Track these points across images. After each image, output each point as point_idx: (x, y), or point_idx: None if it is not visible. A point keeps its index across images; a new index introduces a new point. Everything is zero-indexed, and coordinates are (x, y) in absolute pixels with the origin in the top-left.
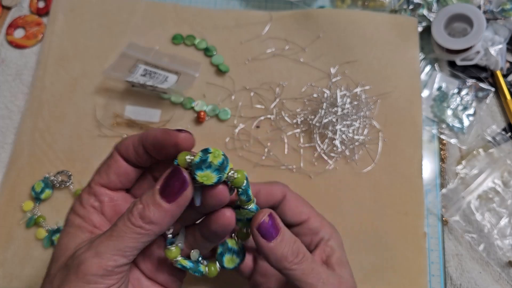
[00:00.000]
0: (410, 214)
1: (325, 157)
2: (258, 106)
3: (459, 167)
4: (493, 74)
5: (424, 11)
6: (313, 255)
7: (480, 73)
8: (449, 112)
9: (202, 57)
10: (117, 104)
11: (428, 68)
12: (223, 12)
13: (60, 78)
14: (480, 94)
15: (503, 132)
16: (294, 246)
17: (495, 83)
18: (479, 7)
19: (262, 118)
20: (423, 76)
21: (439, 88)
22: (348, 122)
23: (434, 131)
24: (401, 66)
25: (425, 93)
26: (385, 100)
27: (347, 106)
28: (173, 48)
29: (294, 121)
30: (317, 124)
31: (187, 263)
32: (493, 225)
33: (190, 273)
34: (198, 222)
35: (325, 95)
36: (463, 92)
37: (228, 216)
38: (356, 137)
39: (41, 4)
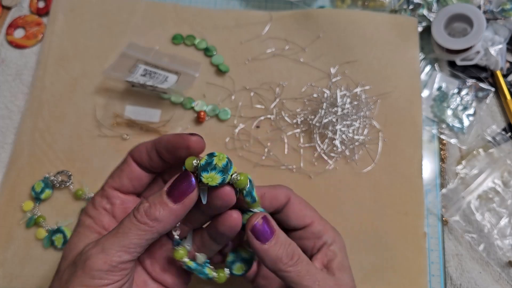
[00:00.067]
0: (410, 214)
1: (325, 157)
2: (258, 106)
3: (459, 167)
4: (493, 74)
5: (424, 11)
6: (315, 259)
7: (480, 73)
8: (449, 112)
9: (202, 57)
10: (117, 104)
11: (428, 68)
12: (223, 12)
13: (60, 78)
14: (480, 94)
15: (503, 132)
16: (289, 249)
17: (495, 83)
18: (479, 7)
19: (262, 118)
20: (423, 76)
21: (439, 88)
22: (348, 122)
23: (434, 131)
24: (401, 66)
25: (425, 93)
26: (385, 100)
27: (347, 106)
28: (173, 48)
29: (294, 121)
30: (317, 124)
31: (193, 264)
32: (493, 225)
33: (194, 277)
34: (205, 226)
35: (325, 95)
36: (463, 92)
37: (235, 217)
38: (356, 137)
39: (41, 4)
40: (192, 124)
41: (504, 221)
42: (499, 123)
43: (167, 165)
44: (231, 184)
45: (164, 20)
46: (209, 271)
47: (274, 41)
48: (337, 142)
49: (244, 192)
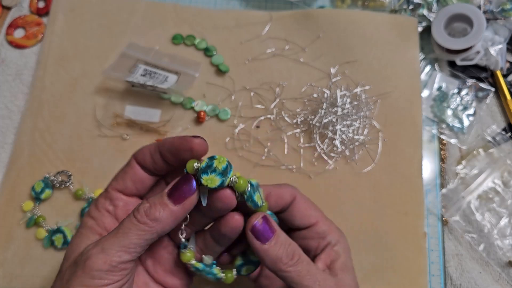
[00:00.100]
0: (410, 214)
1: (325, 157)
2: (258, 106)
3: (459, 167)
4: (493, 74)
5: (424, 11)
6: (318, 259)
7: (480, 73)
8: (449, 112)
9: (202, 57)
10: (117, 104)
11: (428, 68)
12: (223, 12)
13: (60, 78)
14: (480, 94)
15: (503, 132)
16: (289, 249)
17: (495, 83)
18: (479, 7)
19: (262, 118)
20: (423, 76)
21: (439, 88)
22: (348, 122)
23: (434, 131)
24: (401, 66)
25: (425, 93)
26: (385, 100)
27: (347, 106)
28: (173, 48)
29: (294, 121)
30: (317, 124)
31: (201, 266)
32: (493, 225)
33: (196, 279)
34: (207, 228)
35: (325, 95)
36: (463, 92)
37: (237, 219)
38: (356, 137)
39: (41, 4)
40: (192, 124)
41: (504, 221)
42: (499, 123)
43: (170, 167)
44: (231, 187)
45: (164, 20)
46: (218, 272)
47: (274, 41)
48: (337, 142)
49: (245, 196)
